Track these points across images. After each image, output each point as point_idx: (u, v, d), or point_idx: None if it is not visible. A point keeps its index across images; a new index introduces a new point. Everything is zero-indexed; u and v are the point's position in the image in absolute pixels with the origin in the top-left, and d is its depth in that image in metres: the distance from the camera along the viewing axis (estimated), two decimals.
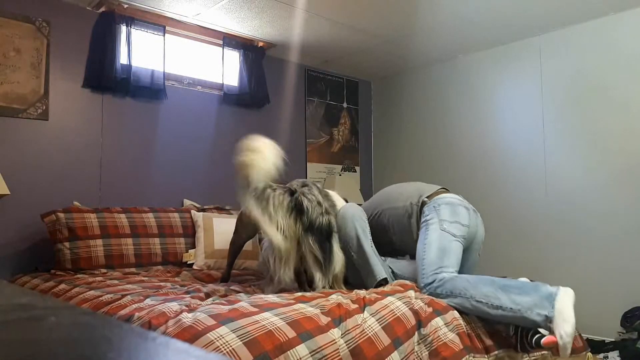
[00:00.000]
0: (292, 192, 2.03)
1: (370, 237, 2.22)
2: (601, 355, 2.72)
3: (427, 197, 2.23)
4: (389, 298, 1.72)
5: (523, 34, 3.49)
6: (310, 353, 1.34)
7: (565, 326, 1.62)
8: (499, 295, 1.75)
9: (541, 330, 1.73)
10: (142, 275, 2.47)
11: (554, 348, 1.70)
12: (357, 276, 2.20)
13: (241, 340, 1.28)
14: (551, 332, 1.67)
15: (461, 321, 1.77)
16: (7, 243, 2.63)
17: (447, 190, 2.31)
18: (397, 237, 2.33)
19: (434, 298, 1.83)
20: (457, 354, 1.62)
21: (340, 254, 2.08)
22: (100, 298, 1.81)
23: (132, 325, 1.47)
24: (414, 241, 2.19)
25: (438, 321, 1.70)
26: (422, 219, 2.19)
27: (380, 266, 2.12)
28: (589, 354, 2.19)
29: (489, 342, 1.79)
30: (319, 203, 2.02)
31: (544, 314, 1.65)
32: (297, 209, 1.97)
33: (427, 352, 1.60)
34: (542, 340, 1.67)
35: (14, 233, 2.66)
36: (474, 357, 1.73)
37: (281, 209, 1.95)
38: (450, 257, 2.02)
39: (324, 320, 1.48)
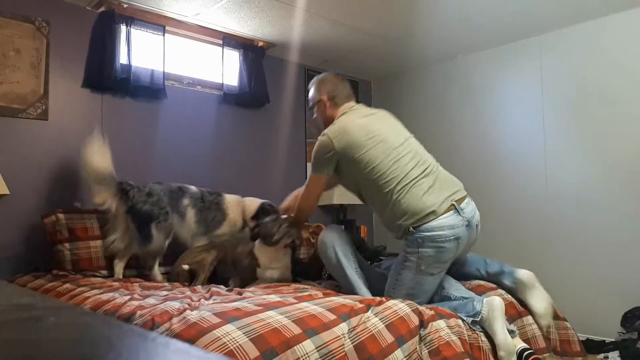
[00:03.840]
0: None
1: (354, 258, 2.15)
2: (601, 356, 2.71)
3: (414, 225, 1.98)
4: (393, 301, 1.75)
5: (523, 34, 3.49)
6: (316, 348, 1.35)
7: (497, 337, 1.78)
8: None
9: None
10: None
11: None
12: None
13: (247, 337, 1.29)
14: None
15: (464, 331, 1.77)
16: (6, 243, 2.62)
17: (455, 204, 2.02)
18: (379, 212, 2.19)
19: (438, 306, 1.85)
20: (459, 354, 1.62)
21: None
22: (101, 297, 1.81)
23: (133, 324, 1.47)
24: (392, 231, 2.13)
25: (440, 323, 1.72)
26: (403, 248, 2.04)
27: (364, 290, 2.08)
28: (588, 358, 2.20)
29: (492, 359, 1.77)
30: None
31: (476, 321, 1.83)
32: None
33: (427, 351, 1.60)
34: None
35: (13, 233, 2.65)
36: None
37: None
38: (419, 296, 2.00)
39: (330, 317, 1.50)
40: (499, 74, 3.72)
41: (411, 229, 1.98)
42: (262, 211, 2.74)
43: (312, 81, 2.42)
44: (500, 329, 1.77)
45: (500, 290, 2.12)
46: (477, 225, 2.11)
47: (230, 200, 2.81)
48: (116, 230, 2.48)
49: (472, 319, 1.82)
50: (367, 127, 2.14)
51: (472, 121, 3.86)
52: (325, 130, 2.17)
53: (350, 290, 2.09)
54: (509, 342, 1.77)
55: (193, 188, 2.78)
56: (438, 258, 1.98)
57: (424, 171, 2.10)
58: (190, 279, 2.37)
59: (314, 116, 2.42)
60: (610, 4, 3.01)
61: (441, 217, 1.98)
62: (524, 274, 2.04)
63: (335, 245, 2.12)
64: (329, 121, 2.26)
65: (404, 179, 2.04)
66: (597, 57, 3.19)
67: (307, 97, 2.42)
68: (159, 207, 2.53)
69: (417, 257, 1.97)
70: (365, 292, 2.07)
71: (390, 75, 4.46)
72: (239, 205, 2.81)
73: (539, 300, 2.01)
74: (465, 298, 1.98)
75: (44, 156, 2.78)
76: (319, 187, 2.22)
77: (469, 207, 2.08)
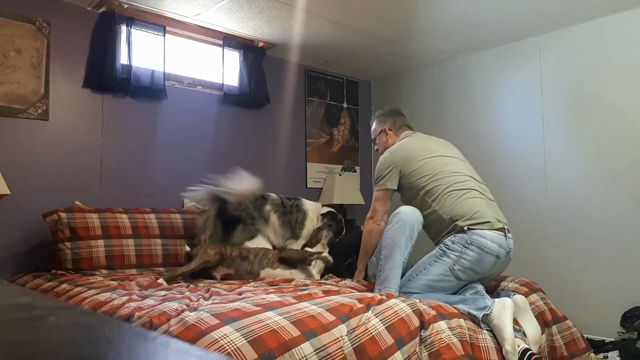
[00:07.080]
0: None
1: (410, 250, 2.13)
2: (601, 355, 2.72)
3: (470, 226, 2.09)
4: (394, 300, 1.74)
5: (523, 34, 3.49)
6: (315, 351, 1.34)
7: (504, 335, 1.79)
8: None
9: None
10: (145, 275, 2.49)
11: None
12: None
13: (245, 339, 1.28)
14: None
15: (466, 330, 1.76)
16: (7, 243, 2.63)
17: (499, 229, 2.12)
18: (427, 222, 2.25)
19: (441, 304, 1.84)
20: (458, 358, 1.62)
21: None
22: (99, 297, 1.81)
23: (132, 325, 1.47)
24: (439, 232, 2.19)
25: (442, 324, 1.70)
26: (445, 242, 2.11)
27: (396, 280, 2.07)
28: (592, 354, 2.19)
29: (494, 357, 1.76)
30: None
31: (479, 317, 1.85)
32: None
33: (427, 353, 1.59)
34: None
35: (14, 233, 2.66)
36: None
37: None
38: (435, 290, 2.04)
39: (329, 318, 1.49)
40: (499, 74, 3.72)
41: (466, 228, 2.09)
42: (327, 214, 3.08)
43: (373, 117, 2.67)
44: (509, 324, 1.80)
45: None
46: (510, 259, 2.19)
47: (308, 202, 3.10)
48: (206, 230, 2.80)
49: (481, 312, 1.83)
50: (423, 145, 2.37)
51: (472, 121, 3.86)
52: (387, 150, 2.42)
53: (383, 270, 2.07)
54: (515, 339, 1.80)
55: (273, 195, 3.03)
56: (474, 266, 2.05)
57: (480, 186, 2.27)
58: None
59: (376, 148, 2.61)
60: (609, 4, 3.01)
61: (494, 231, 2.10)
62: (519, 296, 2.05)
63: (412, 229, 2.10)
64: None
65: (463, 188, 2.19)
66: (596, 57, 3.19)
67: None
68: (246, 212, 2.85)
69: (456, 257, 2.06)
70: (394, 281, 2.04)
71: (390, 75, 4.47)
72: (316, 208, 3.10)
73: (532, 326, 2.01)
74: (478, 293, 2.03)
75: (45, 156, 2.78)
76: (385, 203, 2.33)
77: (512, 240, 2.18)
